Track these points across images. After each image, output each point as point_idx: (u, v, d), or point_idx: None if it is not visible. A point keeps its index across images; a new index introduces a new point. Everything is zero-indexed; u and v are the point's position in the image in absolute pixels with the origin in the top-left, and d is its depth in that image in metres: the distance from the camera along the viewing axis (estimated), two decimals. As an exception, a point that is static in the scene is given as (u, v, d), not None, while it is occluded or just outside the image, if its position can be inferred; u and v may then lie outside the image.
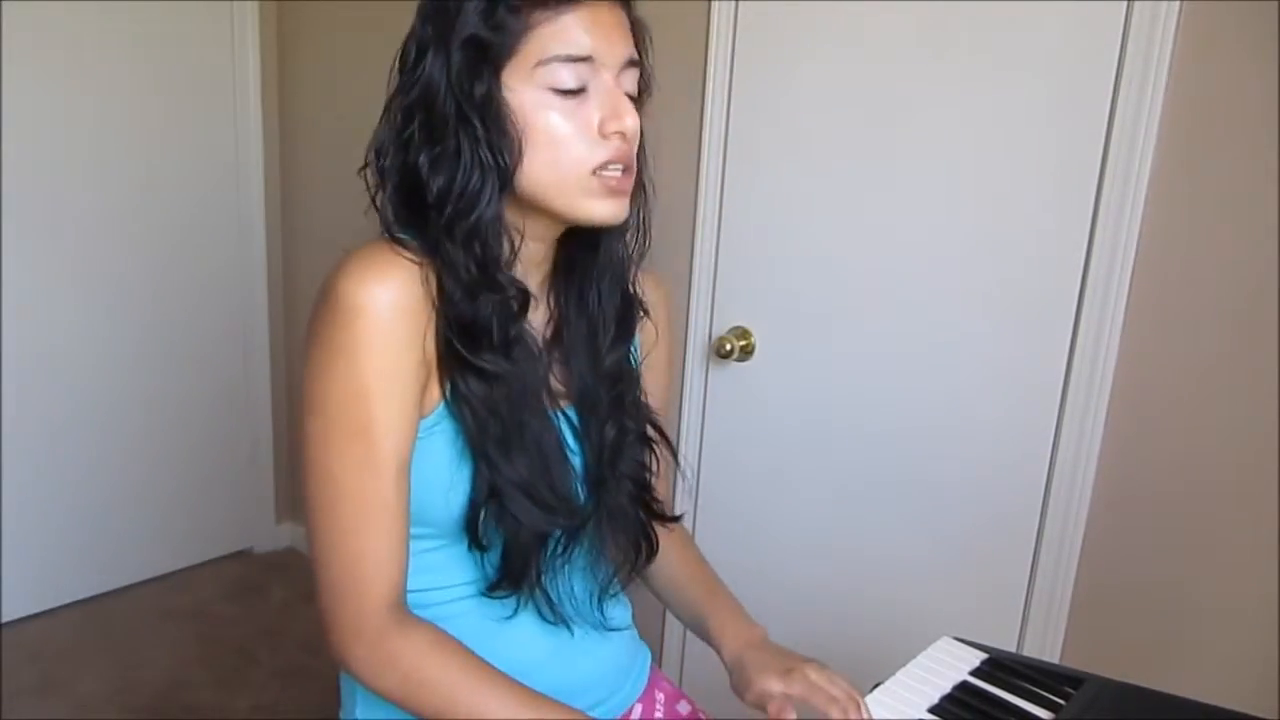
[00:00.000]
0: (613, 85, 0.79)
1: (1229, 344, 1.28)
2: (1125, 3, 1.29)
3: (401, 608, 0.81)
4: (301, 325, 2.98)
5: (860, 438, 1.66)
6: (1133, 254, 1.33)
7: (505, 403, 0.80)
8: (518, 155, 0.77)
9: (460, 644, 0.82)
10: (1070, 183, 1.37)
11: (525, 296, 0.83)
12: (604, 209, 0.81)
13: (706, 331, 1.81)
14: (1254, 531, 1.27)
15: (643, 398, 0.96)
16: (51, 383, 2.40)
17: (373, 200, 0.85)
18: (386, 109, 0.82)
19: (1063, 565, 1.45)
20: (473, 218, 0.78)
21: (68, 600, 2.53)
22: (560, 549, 0.86)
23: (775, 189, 1.69)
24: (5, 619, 2.41)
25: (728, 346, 1.73)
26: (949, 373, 1.54)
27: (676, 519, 1.03)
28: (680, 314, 1.82)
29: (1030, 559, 1.49)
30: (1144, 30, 1.28)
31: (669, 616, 1.07)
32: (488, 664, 0.81)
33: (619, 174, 0.80)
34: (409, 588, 0.84)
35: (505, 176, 0.78)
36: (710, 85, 1.72)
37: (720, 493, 1.84)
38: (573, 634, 0.91)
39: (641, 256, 0.94)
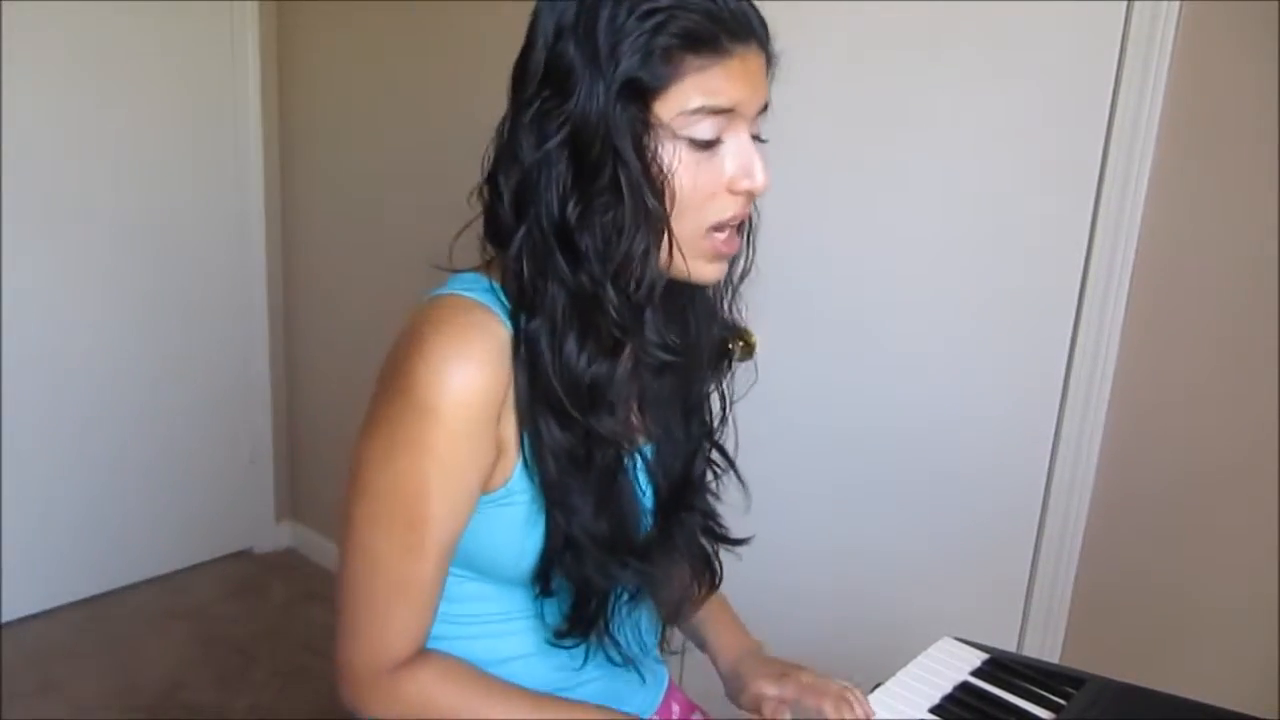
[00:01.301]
0: (747, 138, 0.74)
1: (1229, 344, 1.28)
2: (1125, 3, 1.29)
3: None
4: (302, 325, 2.99)
5: (860, 437, 1.65)
6: (1133, 254, 1.33)
7: (591, 456, 0.76)
8: (672, 207, 0.72)
9: (470, 665, 0.81)
10: (1070, 183, 1.37)
11: (666, 363, 0.79)
12: (709, 271, 0.77)
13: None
14: (1254, 531, 1.27)
15: (712, 421, 0.94)
16: (51, 383, 2.40)
17: (485, 232, 0.77)
18: (511, 128, 0.74)
19: (1063, 565, 1.45)
20: (640, 282, 0.72)
21: (68, 600, 2.53)
22: (629, 596, 0.84)
23: (775, 189, 1.68)
24: (5, 619, 2.41)
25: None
26: (949, 372, 1.54)
27: (743, 542, 0.98)
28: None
29: (1030, 559, 1.49)
30: (1144, 30, 1.27)
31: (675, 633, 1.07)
32: (498, 680, 0.81)
33: (729, 234, 0.76)
34: (453, 613, 0.83)
35: (662, 232, 0.72)
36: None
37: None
38: (644, 681, 0.90)
39: (744, 276, 0.87)
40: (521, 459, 0.77)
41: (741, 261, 0.85)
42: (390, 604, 0.77)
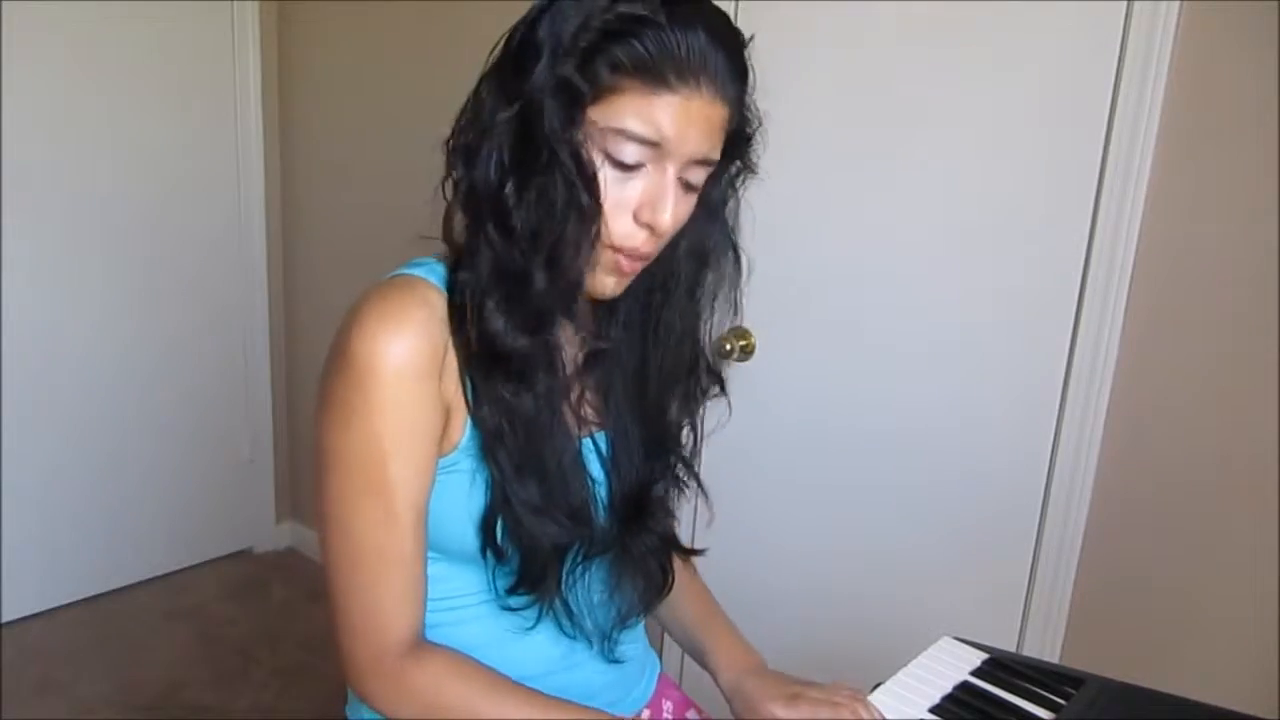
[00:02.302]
0: (670, 176, 0.75)
1: (1229, 344, 1.28)
2: (1125, 3, 1.29)
3: (419, 641, 0.81)
4: (301, 326, 2.99)
5: (860, 437, 1.65)
6: (1133, 254, 1.33)
7: (521, 423, 0.79)
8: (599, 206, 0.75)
9: (477, 662, 0.82)
10: (1070, 183, 1.37)
11: (557, 345, 0.81)
12: (606, 285, 0.79)
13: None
14: (1254, 532, 1.27)
15: (677, 437, 0.95)
16: (51, 383, 2.40)
17: (442, 185, 0.80)
18: (480, 85, 0.77)
19: (1063, 565, 1.45)
20: (569, 269, 0.75)
21: (68, 600, 2.53)
22: (579, 560, 0.85)
23: (775, 189, 1.68)
24: (5, 619, 2.41)
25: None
26: (949, 372, 1.54)
27: (698, 553, 1.01)
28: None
29: (1030, 559, 1.49)
30: (1144, 30, 1.28)
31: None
32: (505, 677, 0.82)
33: (631, 260, 0.78)
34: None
35: (592, 224, 0.74)
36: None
37: (720, 493, 1.84)
38: (591, 647, 0.91)
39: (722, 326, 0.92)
40: (470, 418, 0.79)
41: (731, 316, 0.90)
42: (376, 578, 0.78)
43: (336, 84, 2.56)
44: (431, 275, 0.79)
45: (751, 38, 0.78)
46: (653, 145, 0.73)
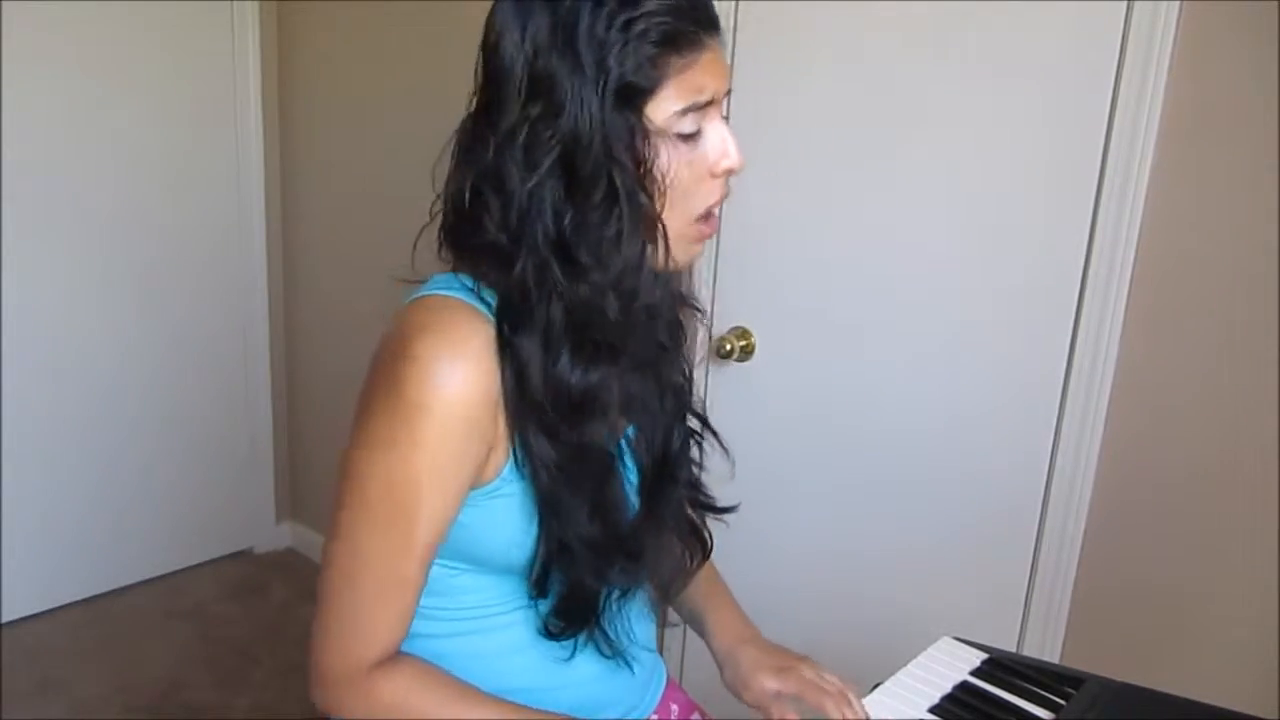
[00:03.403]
0: (720, 122, 0.76)
1: (1229, 344, 1.28)
2: (1125, 3, 1.29)
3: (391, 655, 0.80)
4: (301, 325, 2.98)
5: (860, 438, 1.65)
6: (1133, 254, 1.33)
7: (590, 467, 0.77)
8: (664, 206, 0.73)
9: (444, 672, 0.81)
10: (1070, 183, 1.37)
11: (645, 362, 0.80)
12: (691, 254, 0.80)
13: (706, 331, 1.81)
14: (1254, 531, 1.27)
15: (690, 388, 0.95)
16: (51, 383, 2.40)
17: (440, 238, 0.78)
18: (482, 150, 0.73)
19: (1063, 565, 1.45)
20: (638, 288, 0.73)
21: (68, 600, 2.53)
22: (620, 593, 0.84)
23: (775, 189, 1.69)
24: (5, 619, 2.41)
25: (728, 346, 1.72)
26: (949, 373, 1.54)
27: (731, 509, 0.99)
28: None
29: (1030, 559, 1.49)
30: (1144, 30, 1.27)
31: (671, 613, 1.07)
32: (472, 687, 0.81)
33: (712, 218, 0.78)
34: (432, 606, 0.83)
35: (655, 232, 0.73)
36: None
37: (719, 493, 1.84)
38: (633, 672, 0.90)
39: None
40: (513, 457, 0.77)
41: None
42: (375, 603, 0.77)
43: (336, 84, 2.56)
44: (470, 298, 0.75)
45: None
46: (706, 105, 0.74)
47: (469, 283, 0.77)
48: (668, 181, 0.73)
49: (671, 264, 0.77)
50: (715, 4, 0.76)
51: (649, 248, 0.74)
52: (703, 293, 1.80)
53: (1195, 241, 1.29)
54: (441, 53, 2.19)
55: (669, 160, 0.73)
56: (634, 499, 0.85)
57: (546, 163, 0.70)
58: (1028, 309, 1.45)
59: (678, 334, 0.91)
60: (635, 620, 0.91)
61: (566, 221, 0.71)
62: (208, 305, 2.68)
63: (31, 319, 2.33)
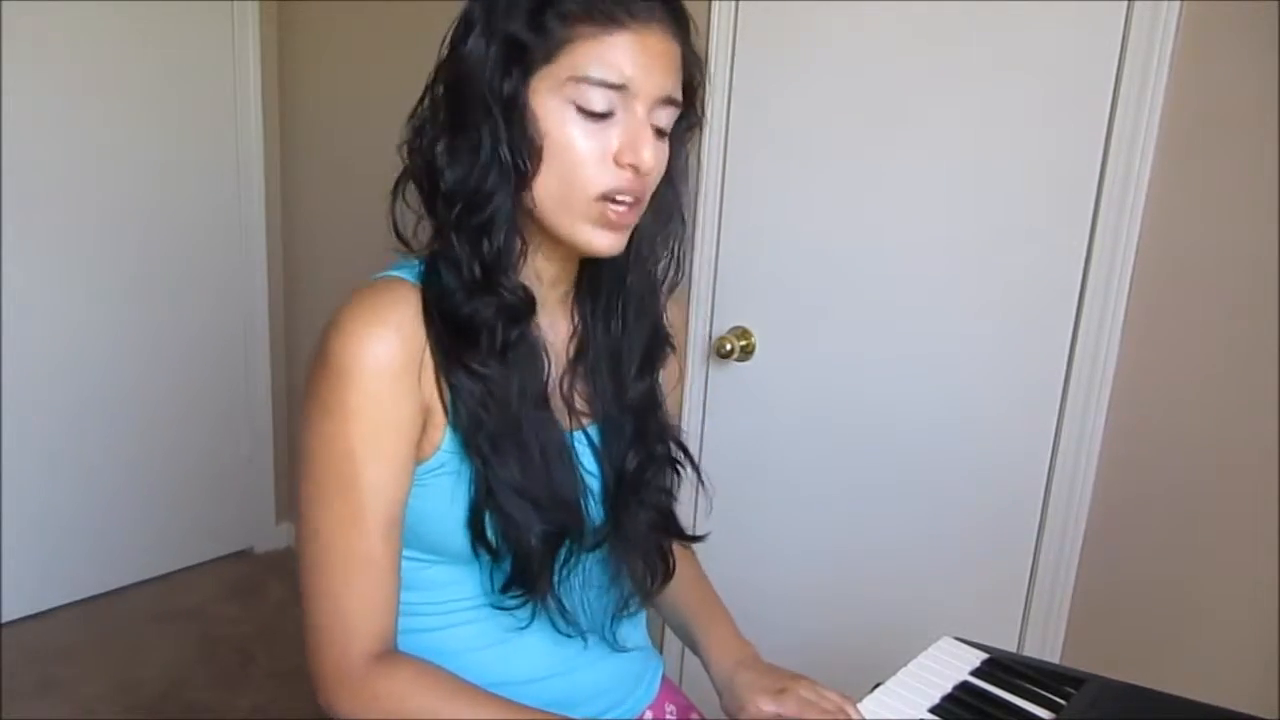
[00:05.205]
0: (641, 117, 0.76)
1: (1229, 344, 1.28)
2: (1125, 3, 1.29)
3: (388, 650, 0.80)
4: (301, 325, 2.98)
5: (860, 438, 1.65)
6: (1133, 254, 1.33)
7: (497, 403, 0.79)
8: (536, 161, 0.76)
9: (445, 671, 0.81)
10: (1070, 183, 1.37)
11: (528, 303, 0.81)
12: (601, 240, 0.79)
13: (706, 331, 1.81)
14: (1254, 531, 1.27)
15: (666, 419, 0.95)
16: (51, 383, 2.40)
17: (397, 184, 0.82)
18: (428, 86, 0.81)
19: (1063, 565, 1.45)
20: (485, 214, 0.76)
21: (68, 600, 2.53)
22: (571, 556, 0.85)
23: (775, 189, 1.69)
24: (5, 619, 2.41)
25: (728, 346, 1.73)
26: (949, 373, 1.54)
27: (699, 539, 1.01)
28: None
29: (1030, 559, 1.49)
30: (1144, 30, 1.28)
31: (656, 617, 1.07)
32: (474, 686, 0.81)
33: (623, 208, 0.78)
34: (414, 601, 0.84)
35: (521, 179, 0.76)
36: (710, 85, 1.72)
37: (719, 493, 1.84)
38: (586, 645, 0.90)
39: (673, 288, 0.92)
40: (449, 422, 0.79)
41: (670, 273, 0.91)
42: (344, 582, 0.77)
43: (336, 83, 2.56)
44: (408, 274, 0.81)
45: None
46: (618, 88, 0.75)
47: (416, 264, 0.82)
48: (550, 145, 0.75)
49: (578, 241, 0.79)
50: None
51: (507, 198, 0.76)
52: (703, 292, 1.80)
53: (1195, 241, 1.29)
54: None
55: (560, 126, 0.75)
56: (595, 504, 0.87)
57: (437, 91, 0.78)
58: (1028, 309, 1.45)
59: (649, 362, 0.92)
60: (598, 606, 0.91)
61: (440, 145, 0.77)
62: (208, 305, 2.68)
63: (31, 319, 2.33)
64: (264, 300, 2.79)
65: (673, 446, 0.95)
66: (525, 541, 0.80)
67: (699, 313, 1.81)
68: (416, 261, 0.83)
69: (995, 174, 1.45)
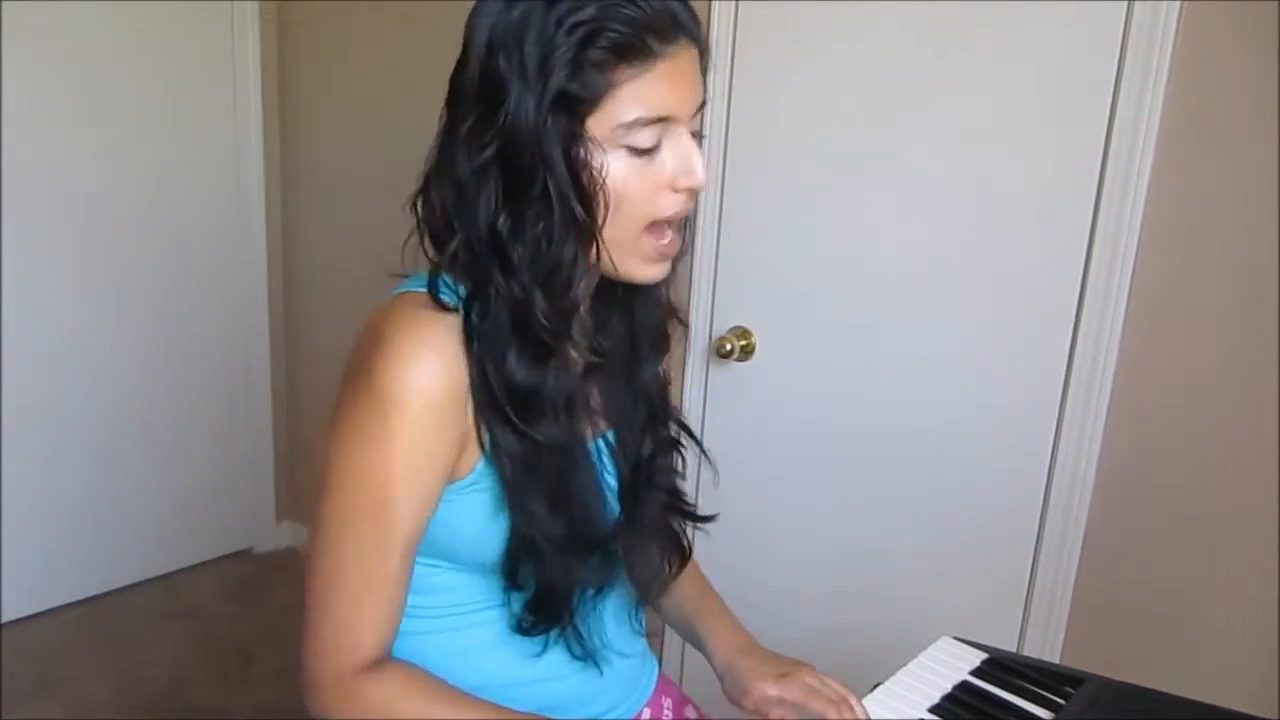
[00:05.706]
0: (686, 138, 0.75)
1: (1229, 344, 1.28)
2: (1125, 3, 1.29)
3: (381, 657, 0.80)
4: (301, 325, 2.98)
5: (860, 437, 1.66)
6: (1133, 253, 1.33)
7: (549, 462, 0.77)
8: (605, 211, 0.74)
9: (435, 677, 0.81)
10: (1071, 183, 1.37)
11: (594, 365, 0.80)
12: (649, 272, 0.79)
13: (706, 331, 1.81)
14: (1254, 532, 1.27)
15: (670, 399, 0.96)
16: (51, 383, 2.40)
17: (422, 240, 0.79)
18: (445, 141, 0.76)
19: (1063, 565, 1.45)
20: (562, 276, 0.74)
21: (68, 600, 2.53)
22: (594, 591, 0.85)
23: (775, 188, 1.69)
24: (5, 619, 2.41)
25: (728, 346, 1.73)
26: (949, 372, 1.54)
27: (711, 518, 1.00)
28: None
29: (1030, 559, 1.49)
30: (1144, 30, 1.28)
31: (654, 617, 1.07)
32: (460, 691, 0.81)
33: (671, 234, 0.78)
34: (421, 604, 0.83)
35: (591, 239, 0.74)
36: (710, 85, 1.72)
37: (720, 492, 1.84)
38: (601, 673, 0.89)
39: (679, 259, 0.90)
40: (482, 456, 0.78)
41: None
42: (358, 603, 0.77)
43: (336, 84, 2.56)
44: (445, 295, 0.77)
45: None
46: (663, 120, 0.73)
47: (447, 279, 0.78)
48: (609, 192, 0.73)
49: (624, 276, 0.78)
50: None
51: (582, 254, 0.74)
52: (703, 292, 1.80)
53: (1195, 241, 1.29)
54: (441, 53, 2.19)
55: (614, 170, 0.73)
56: (614, 503, 0.86)
57: (487, 154, 0.72)
58: (1028, 309, 1.45)
59: (661, 344, 0.92)
60: (612, 623, 0.91)
61: (502, 219, 0.73)
62: (208, 305, 2.68)
63: (31, 319, 2.33)
64: (264, 300, 2.79)
65: (673, 426, 0.95)
66: (558, 584, 0.80)
67: (699, 313, 1.81)
68: (438, 273, 0.78)
69: (996, 174, 1.45)
